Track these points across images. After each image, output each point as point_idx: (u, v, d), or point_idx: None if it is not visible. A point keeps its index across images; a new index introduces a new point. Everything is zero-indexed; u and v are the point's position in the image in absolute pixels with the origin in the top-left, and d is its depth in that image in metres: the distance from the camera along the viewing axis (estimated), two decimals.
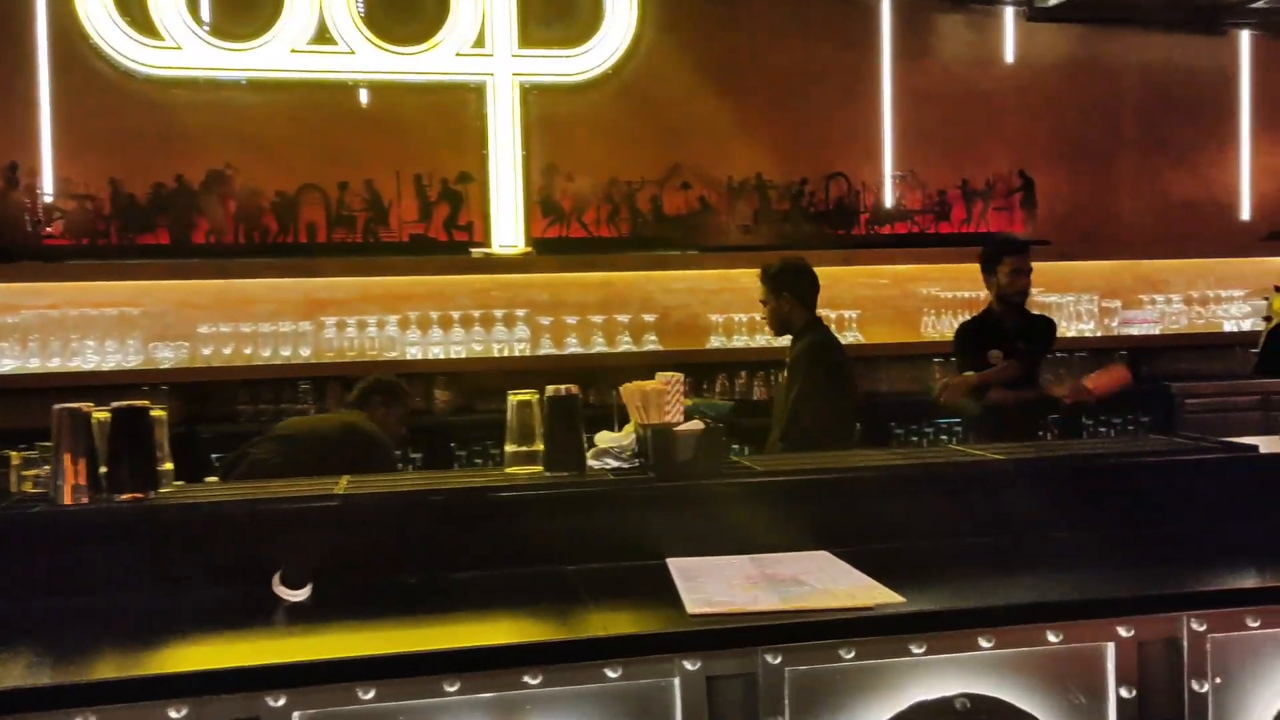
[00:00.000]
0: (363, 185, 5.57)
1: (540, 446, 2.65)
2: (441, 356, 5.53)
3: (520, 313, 5.67)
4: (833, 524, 2.58)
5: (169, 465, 2.54)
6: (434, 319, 5.58)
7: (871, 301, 6.18)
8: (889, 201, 6.15)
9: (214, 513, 2.40)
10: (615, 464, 2.68)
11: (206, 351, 5.35)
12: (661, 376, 2.73)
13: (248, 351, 5.39)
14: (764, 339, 5.86)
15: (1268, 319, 3.40)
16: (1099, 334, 6.16)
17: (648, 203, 5.86)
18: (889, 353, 5.97)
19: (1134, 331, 6.20)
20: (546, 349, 5.69)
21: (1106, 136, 6.49)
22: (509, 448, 2.71)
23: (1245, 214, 6.62)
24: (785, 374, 4.25)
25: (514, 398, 2.74)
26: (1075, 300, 6.19)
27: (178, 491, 2.55)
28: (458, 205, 5.70)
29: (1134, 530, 2.67)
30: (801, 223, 6.03)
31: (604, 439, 2.73)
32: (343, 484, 2.59)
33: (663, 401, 2.68)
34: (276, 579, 2.22)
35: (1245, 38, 6.53)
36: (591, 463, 2.70)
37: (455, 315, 5.60)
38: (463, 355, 5.55)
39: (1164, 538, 2.63)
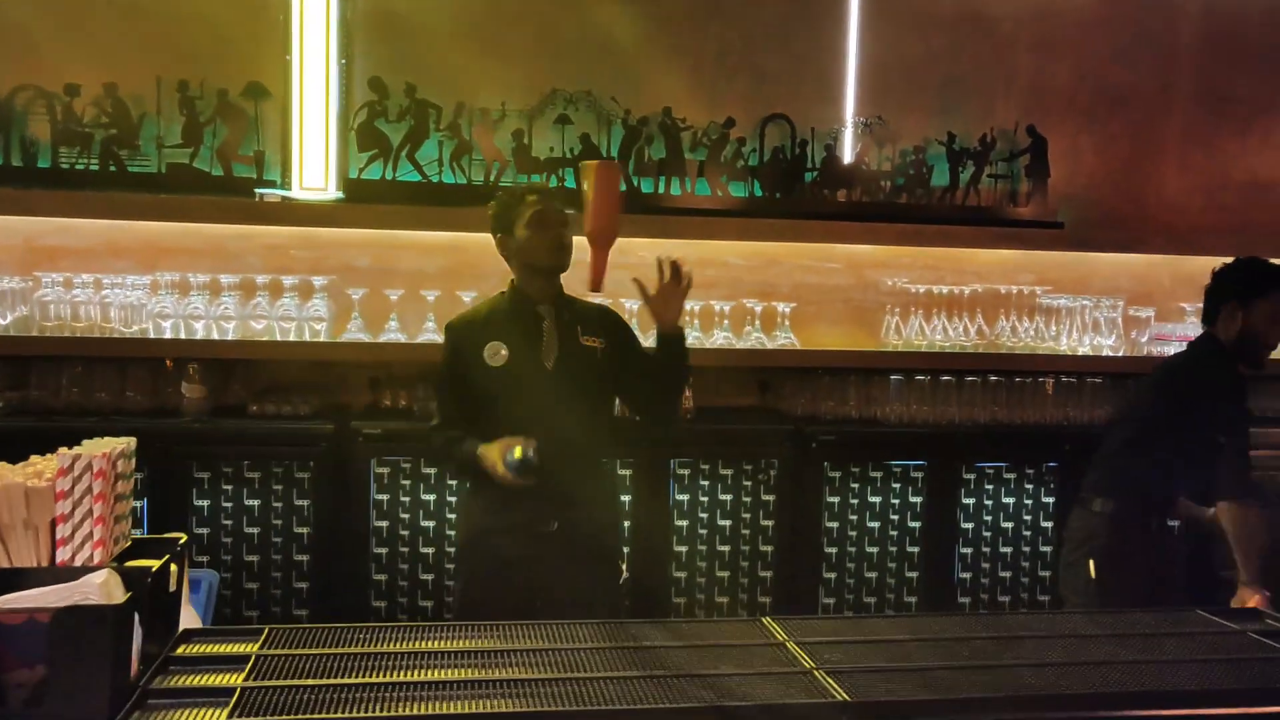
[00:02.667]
0: (102, 91, 4.00)
1: None
2: (201, 336, 3.98)
3: (319, 281, 4.11)
4: None
5: None
6: (196, 283, 4.03)
7: (815, 292, 4.60)
8: (847, 157, 4.53)
9: None
10: None
11: None
12: (64, 454, 1.18)
13: None
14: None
15: None
16: (1123, 351, 4.55)
17: (511, 139, 4.27)
18: (834, 363, 4.38)
19: (1169, 350, 4.57)
20: (356, 333, 4.13)
21: (1149, 89, 4.82)
22: None
23: None
24: (601, 336, 2.97)
25: None
26: (1094, 305, 4.58)
27: None
28: (242, 128, 4.12)
29: None
30: (724, 179, 4.42)
31: None
32: None
33: (44, 520, 1.12)
34: None
35: None
36: None
37: (227, 280, 4.05)
38: (232, 337, 4.01)
39: None
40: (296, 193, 4.15)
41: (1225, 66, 4.85)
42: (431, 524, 3.92)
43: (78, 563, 1.16)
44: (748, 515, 4.09)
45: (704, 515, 4.07)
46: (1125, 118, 4.80)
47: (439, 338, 4.09)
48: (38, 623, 1.00)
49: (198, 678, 1.16)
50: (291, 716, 1.05)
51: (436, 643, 1.36)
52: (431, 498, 3.91)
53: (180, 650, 1.25)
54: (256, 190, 4.11)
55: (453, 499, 3.89)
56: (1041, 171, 4.58)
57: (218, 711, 1.05)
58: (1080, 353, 4.50)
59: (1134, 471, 3.21)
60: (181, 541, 1.32)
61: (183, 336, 3.97)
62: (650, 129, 4.36)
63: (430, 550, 3.90)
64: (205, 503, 3.76)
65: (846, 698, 1.16)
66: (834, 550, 4.12)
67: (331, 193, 4.17)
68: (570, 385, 2.85)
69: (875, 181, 4.52)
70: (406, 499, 3.92)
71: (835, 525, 4.12)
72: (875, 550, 4.14)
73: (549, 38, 4.38)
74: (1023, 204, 4.58)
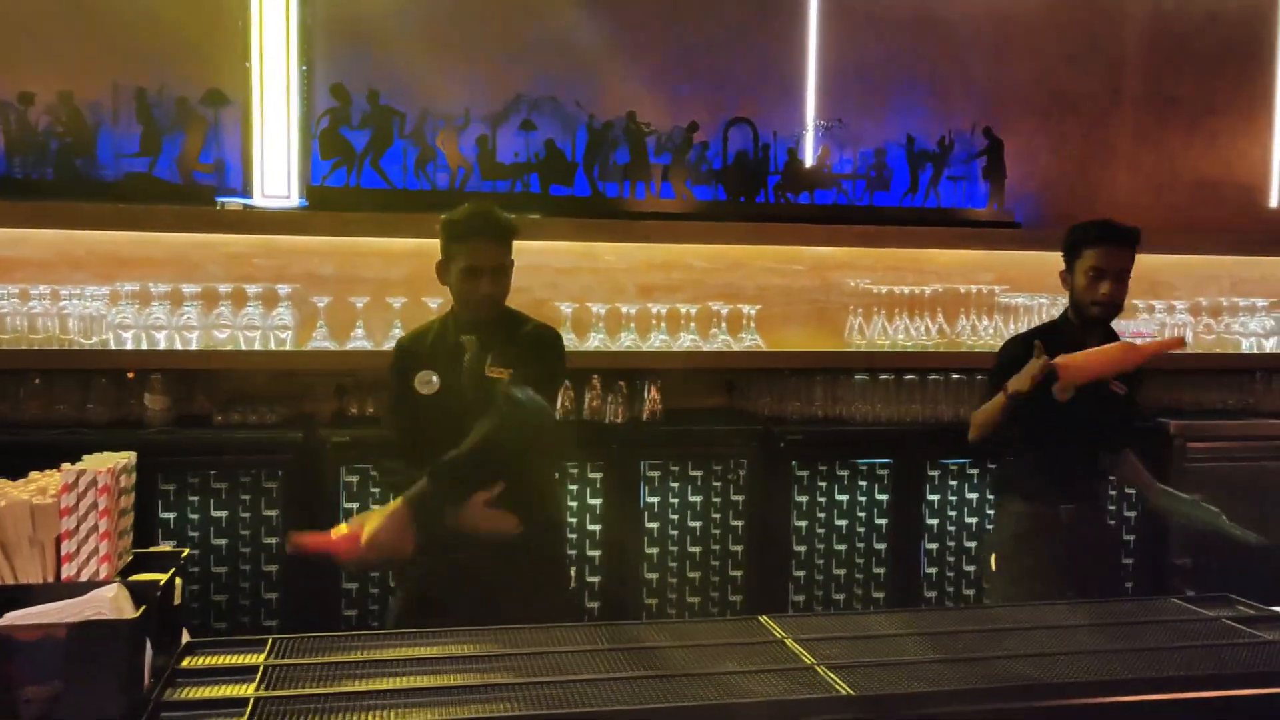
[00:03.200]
0: (57, 98, 3.94)
1: None
2: (164, 347, 3.93)
3: (283, 289, 4.08)
4: None
5: None
6: (157, 293, 3.98)
7: (779, 294, 4.64)
8: (809, 160, 4.59)
9: None
10: None
11: None
12: (68, 470, 1.17)
13: None
14: (631, 338, 4.33)
15: None
16: None
17: (475, 145, 4.27)
18: (799, 364, 4.42)
19: None
20: (321, 341, 4.10)
21: (1100, 90, 4.94)
22: None
23: (1275, 200, 5.12)
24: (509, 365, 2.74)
25: None
26: (1049, 303, 4.65)
27: None
28: (202, 136, 4.08)
29: None
30: (688, 182, 4.46)
31: None
32: None
33: (49, 536, 1.12)
34: None
35: None
36: None
37: (189, 290, 4.00)
38: (195, 347, 3.96)
39: None
40: (259, 200, 4.12)
41: (1171, 69, 4.99)
42: None
43: (84, 578, 1.15)
44: (718, 515, 4.12)
45: (674, 516, 4.09)
46: (1077, 119, 4.91)
47: None
48: (53, 639, 1.00)
49: (209, 689, 1.16)
50: None
51: (440, 648, 1.36)
52: None
53: (186, 662, 1.25)
54: (218, 198, 4.08)
55: None
56: (998, 173, 4.67)
57: None
58: None
59: (1006, 465, 3.29)
60: (184, 555, 1.32)
61: (145, 347, 3.91)
62: (614, 133, 4.38)
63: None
64: (172, 515, 3.71)
65: (851, 692, 1.18)
66: (803, 548, 4.16)
67: (294, 200, 4.15)
68: (476, 412, 2.66)
69: (837, 184, 4.58)
70: (375, 506, 3.88)
71: (804, 524, 4.17)
72: (843, 547, 4.19)
73: (511, 43, 4.39)
74: (980, 204, 4.67)
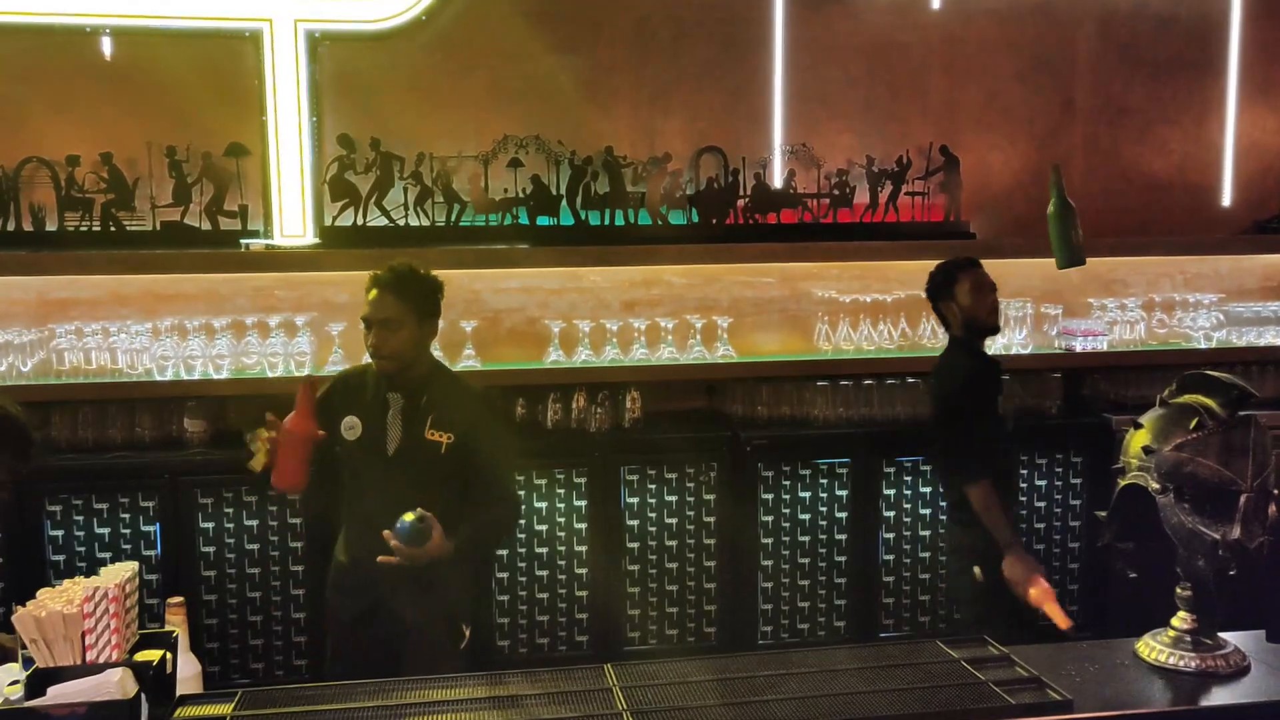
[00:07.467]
0: (99, 159, 4.47)
1: None
2: (199, 374, 4.48)
3: (301, 319, 4.60)
4: None
5: None
6: (192, 327, 4.53)
7: (751, 305, 5.06)
8: (776, 182, 4.98)
9: None
10: None
11: None
12: (87, 584, 1.68)
13: None
14: (614, 353, 4.79)
15: (1121, 470, 2.27)
16: (1030, 348, 5.02)
17: (468, 183, 4.73)
18: (769, 372, 4.86)
19: (1076, 346, 5.05)
20: (337, 365, 4.62)
21: (1053, 103, 5.26)
22: None
23: (1226, 199, 5.39)
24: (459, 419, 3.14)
25: None
26: (1005, 305, 5.03)
27: None
28: (226, 185, 4.59)
29: None
30: (663, 208, 4.88)
31: None
32: None
33: (76, 634, 1.64)
34: None
35: None
36: None
37: (219, 323, 4.54)
38: (226, 374, 4.50)
39: None
40: (278, 240, 4.63)
41: (1122, 80, 5.27)
42: None
43: (101, 660, 1.66)
44: (691, 514, 4.59)
45: (652, 515, 4.57)
46: (1030, 132, 5.23)
47: None
48: (77, 714, 1.51)
49: None
50: None
51: (363, 701, 1.82)
52: None
53: (178, 713, 1.76)
54: (242, 241, 4.60)
55: None
56: (954, 187, 5.02)
57: None
58: (992, 351, 4.95)
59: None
60: (175, 635, 1.82)
61: (183, 376, 4.46)
62: (595, 166, 4.81)
63: None
64: (210, 525, 4.29)
65: None
66: (769, 540, 4.63)
67: (309, 239, 4.65)
68: (409, 473, 3.02)
69: (802, 203, 4.97)
70: None
71: (770, 519, 4.63)
72: (806, 539, 4.65)
73: (498, 89, 4.82)
74: (938, 217, 5.03)
